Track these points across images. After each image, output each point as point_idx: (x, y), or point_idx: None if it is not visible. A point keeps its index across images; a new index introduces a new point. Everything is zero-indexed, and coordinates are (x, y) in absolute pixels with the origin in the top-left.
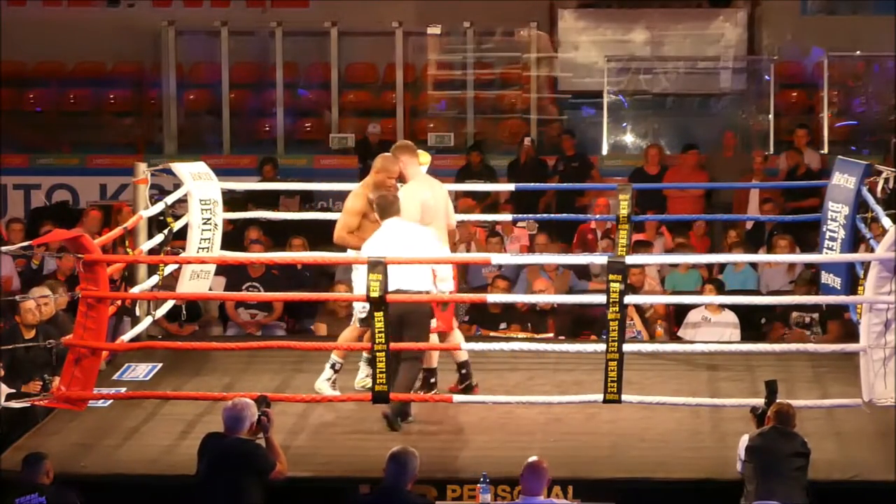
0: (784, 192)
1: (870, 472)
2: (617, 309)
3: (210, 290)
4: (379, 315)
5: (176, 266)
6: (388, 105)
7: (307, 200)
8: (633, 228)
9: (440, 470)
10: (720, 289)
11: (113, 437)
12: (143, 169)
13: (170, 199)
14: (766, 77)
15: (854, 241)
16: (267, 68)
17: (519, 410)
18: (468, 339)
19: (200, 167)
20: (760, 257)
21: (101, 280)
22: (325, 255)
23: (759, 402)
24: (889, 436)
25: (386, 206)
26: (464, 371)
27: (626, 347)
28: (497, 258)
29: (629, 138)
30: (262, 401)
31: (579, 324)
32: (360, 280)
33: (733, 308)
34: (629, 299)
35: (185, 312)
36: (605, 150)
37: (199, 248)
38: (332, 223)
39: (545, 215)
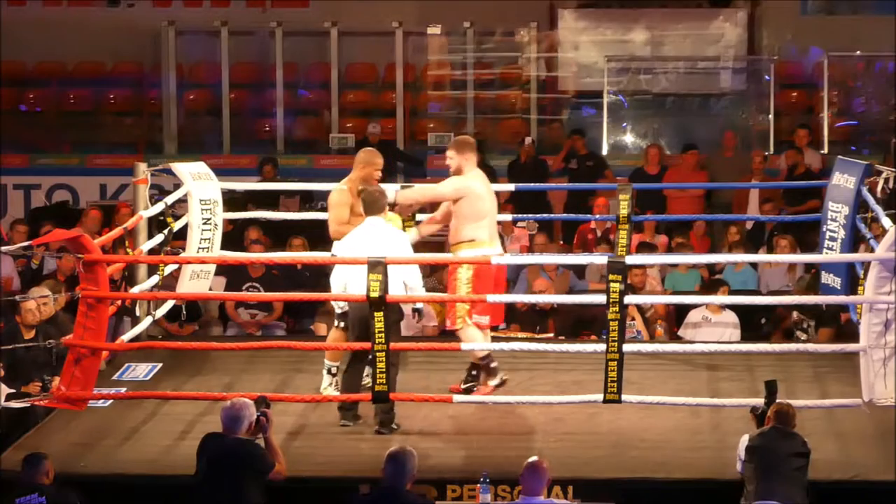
0: (784, 193)
1: (870, 472)
2: (617, 309)
3: (210, 290)
4: (379, 315)
5: (176, 266)
6: (388, 105)
7: (307, 200)
8: (633, 228)
9: (440, 470)
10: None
11: (113, 437)
12: (143, 169)
13: (170, 199)
14: (766, 77)
15: (854, 241)
16: (267, 68)
17: (519, 410)
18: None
19: (200, 167)
20: (760, 257)
21: (101, 280)
22: (325, 255)
23: (759, 402)
24: (889, 436)
25: (371, 202)
26: (473, 373)
27: (627, 347)
28: (497, 258)
29: (629, 138)
30: (261, 401)
31: (579, 324)
32: (338, 279)
33: (733, 308)
34: (629, 299)
35: (185, 312)
36: (605, 150)
37: (199, 248)
38: None
39: (545, 215)
